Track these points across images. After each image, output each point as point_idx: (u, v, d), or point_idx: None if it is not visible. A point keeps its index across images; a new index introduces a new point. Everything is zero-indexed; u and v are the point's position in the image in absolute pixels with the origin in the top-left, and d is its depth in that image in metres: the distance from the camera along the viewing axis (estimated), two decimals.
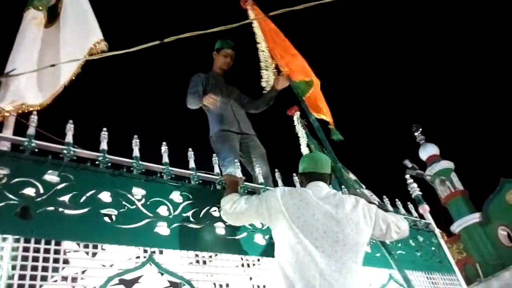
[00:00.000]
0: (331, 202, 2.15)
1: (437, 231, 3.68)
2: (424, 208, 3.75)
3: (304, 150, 4.82)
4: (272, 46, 3.85)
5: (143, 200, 2.23)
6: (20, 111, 2.34)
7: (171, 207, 2.31)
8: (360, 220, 2.15)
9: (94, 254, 1.96)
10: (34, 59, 2.73)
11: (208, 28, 2.30)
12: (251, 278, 2.36)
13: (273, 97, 4.03)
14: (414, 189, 3.89)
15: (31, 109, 2.38)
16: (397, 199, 3.62)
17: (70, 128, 2.28)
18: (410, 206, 3.70)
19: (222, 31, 2.30)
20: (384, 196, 3.56)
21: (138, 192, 2.24)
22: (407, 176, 3.99)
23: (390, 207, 3.49)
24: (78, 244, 1.95)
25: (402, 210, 3.57)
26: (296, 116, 5.33)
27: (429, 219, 3.71)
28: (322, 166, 2.36)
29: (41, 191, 1.96)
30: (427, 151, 8.48)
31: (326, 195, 2.20)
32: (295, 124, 5.27)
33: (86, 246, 1.95)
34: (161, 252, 2.15)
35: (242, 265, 2.38)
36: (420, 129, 8.35)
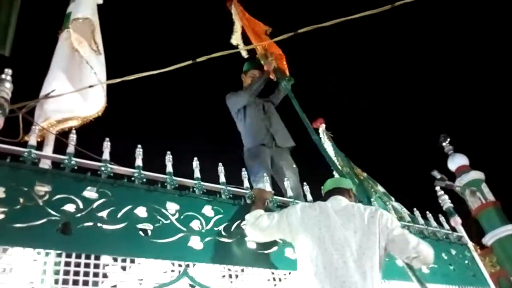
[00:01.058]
0: (350, 213, 2.19)
1: (470, 244, 3.60)
2: (456, 221, 3.68)
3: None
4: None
5: (177, 215, 2.29)
6: (60, 129, 2.45)
7: (203, 221, 2.35)
8: (377, 230, 2.15)
9: (130, 268, 2.02)
10: (70, 77, 2.86)
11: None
12: None
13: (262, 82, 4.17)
14: (445, 201, 3.83)
15: (70, 124, 2.49)
16: (427, 212, 3.57)
17: (107, 145, 2.38)
18: (442, 218, 3.64)
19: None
20: (415, 209, 3.52)
21: (172, 207, 2.30)
22: (438, 188, 3.93)
23: (420, 220, 3.44)
24: (116, 259, 2.01)
25: (433, 223, 3.51)
26: (322, 128, 5.34)
27: (462, 231, 3.63)
28: (341, 181, 2.47)
29: (81, 207, 2.03)
30: (456, 161, 8.21)
31: (345, 207, 2.25)
32: (320, 136, 5.28)
33: (123, 261, 2.01)
34: (193, 266, 2.19)
35: (274, 279, 2.39)
36: (448, 139, 8.13)
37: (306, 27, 2.29)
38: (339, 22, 2.35)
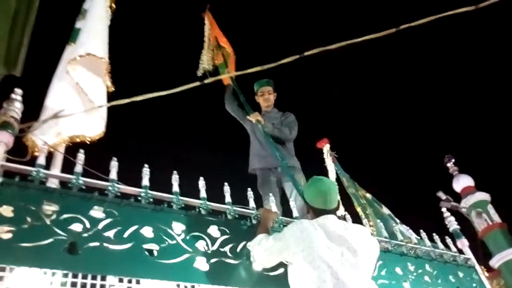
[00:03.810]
0: (347, 232, 2.16)
1: (478, 266, 3.54)
2: (463, 243, 3.63)
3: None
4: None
5: (183, 235, 2.28)
6: (69, 142, 2.48)
7: (209, 242, 2.34)
8: (372, 250, 2.19)
9: None
10: (78, 94, 2.90)
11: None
12: None
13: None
14: (452, 223, 3.79)
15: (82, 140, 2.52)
16: (434, 234, 3.53)
17: (114, 165, 2.38)
18: (448, 240, 3.60)
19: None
20: (421, 231, 3.49)
21: (177, 227, 2.29)
22: (444, 210, 3.90)
23: (427, 242, 3.41)
24: (121, 279, 2.00)
25: (440, 245, 3.47)
26: (326, 148, 5.34)
27: (469, 254, 3.58)
28: (332, 202, 2.29)
29: (88, 226, 2.03)
30: (461, 182, 8.13)
31: (342, 226, 2.21)
32: (324, 157, 5.27)
33: (129, 281, 2.00)
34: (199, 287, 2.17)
35: None
36: (453, 160, 8.08)
37: (312, 50, 2.32)
38: (345, 44, 2.38)
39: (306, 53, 2.30)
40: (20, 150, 2.27)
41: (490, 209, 7.98)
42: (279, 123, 4.17)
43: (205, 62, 4.70)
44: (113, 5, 3.30)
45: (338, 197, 2.39)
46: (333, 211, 2.31)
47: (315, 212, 2.32)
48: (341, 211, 3.63)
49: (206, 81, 2.38)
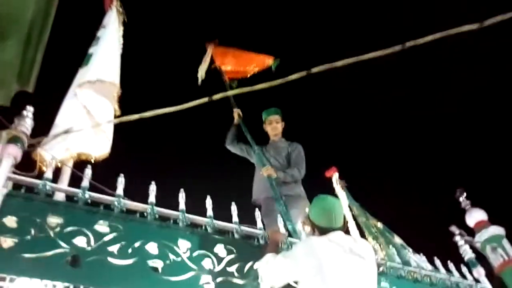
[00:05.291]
0: (356, 244, 2.15)
1: None
2: (479, 272, 3.48)
3: (346, 212, 4.67)
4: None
5: (188, 253, 2.23)
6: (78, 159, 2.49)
7: (215, 261, 2.28)
8: (373, 259, 2.19)
9: None
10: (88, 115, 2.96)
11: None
12: None
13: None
14: (467, 252, 3.65)
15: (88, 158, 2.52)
16: (449, 261, 3.41)
17: (121, 181, 2.38)
18: (464, 269, 3.46)
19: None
20: (435, 258, 3.37)
21: (183, 245, 2.25)
22: (458, 238, 3.76)
23: (442, 270, 3.28)
24: None
25: (456, 273, 3.34)
26: (335, 177, 5.26)
27: (485, 283, 3.43)
28: (337, 220, 2.23)
29: (92, 240, 2.01)
30: (474, 216, 7.93)
31: (352, 239, 2.19)
32: (334, 186, 5.19)
33: None
34: None
35: None
36: (465, 194, 7.93)
37: (319, 66, 2.34)
38: (353, 66, 2.39)
39: (313, 70, 2.32)
40: (29, 165, 2.27)
41: (506, 243, 7.73)
42: (286, 154, 4.14)
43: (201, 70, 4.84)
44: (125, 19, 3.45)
45: (346, 217, 2.33)
46: (339, 230, 2.22)
47: (321, 231, 2.24)
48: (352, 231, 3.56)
49: (214, 97, 2.40)
